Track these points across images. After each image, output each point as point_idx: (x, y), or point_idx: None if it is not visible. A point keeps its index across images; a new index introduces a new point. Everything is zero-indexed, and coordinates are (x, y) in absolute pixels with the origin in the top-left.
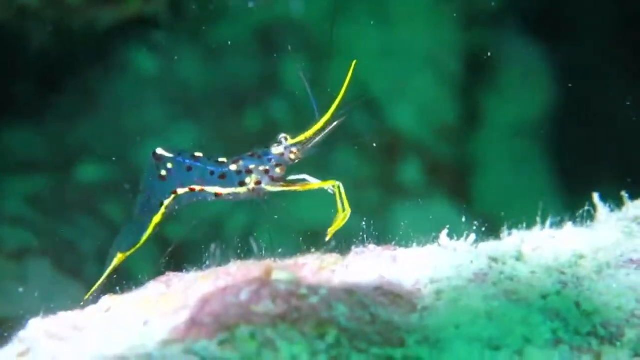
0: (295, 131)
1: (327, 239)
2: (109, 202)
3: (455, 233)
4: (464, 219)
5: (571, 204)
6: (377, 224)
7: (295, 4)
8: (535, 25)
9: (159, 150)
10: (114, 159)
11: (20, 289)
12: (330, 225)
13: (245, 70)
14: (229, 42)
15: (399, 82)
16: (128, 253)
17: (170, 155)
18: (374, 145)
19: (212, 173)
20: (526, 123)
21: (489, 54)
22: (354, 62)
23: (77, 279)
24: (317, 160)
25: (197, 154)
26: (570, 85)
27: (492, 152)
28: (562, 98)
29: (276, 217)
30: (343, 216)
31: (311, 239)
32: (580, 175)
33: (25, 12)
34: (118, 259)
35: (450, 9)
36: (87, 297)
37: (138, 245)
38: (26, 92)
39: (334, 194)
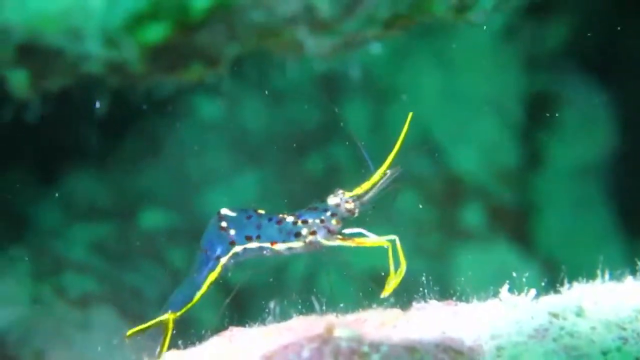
0: (357, 176)
1: (383, 295)
2: (173, 249)
3: (517, 277)
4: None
5: (633, 248)
6: (438, 269)
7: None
8: (597, 67)
9: (224, 210)
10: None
11: (87, 335)
12: (386, 268)
13: (307, 116)
14: (291, 88)
15: (460, 126)
16: (179, 313)
17: (234, 214)
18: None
19: (269, 219)
20: (588, 165)
21: (550, 96)
22: (410, 114)
23: (152, 337)
24: (377, 205)
25: (260, 210)
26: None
27: (553, 194)
28: (624, 140)
29: (336, 267)
30: (399, 272)
31: (373, 287)
32: None
33: (89, 79)
34: (169, 318)
35: (511, 52)
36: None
37: (190, 305)
38: (90, 139)
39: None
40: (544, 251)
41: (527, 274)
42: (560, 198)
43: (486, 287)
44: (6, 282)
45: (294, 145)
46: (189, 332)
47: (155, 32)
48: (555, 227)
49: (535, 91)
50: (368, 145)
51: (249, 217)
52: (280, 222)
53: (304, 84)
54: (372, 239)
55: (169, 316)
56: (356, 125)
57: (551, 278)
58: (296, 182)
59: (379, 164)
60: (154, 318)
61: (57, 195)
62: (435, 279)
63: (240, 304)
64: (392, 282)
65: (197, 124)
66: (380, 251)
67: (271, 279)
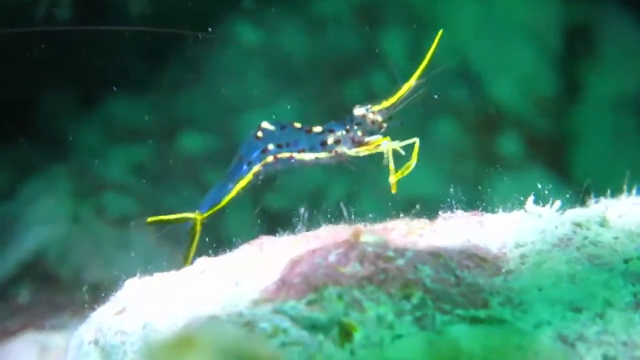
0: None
1: (393, 189)
2: (211, 172)
3: (545, 193)
4: (557, 189)
5: None
6: (473, 194)
7: None
8: (637, 1)
9: (264, 124)
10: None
11: (125, 254)
12: (423, 190)
13: (346, 42)
14: (329, 14)
15: (498, 55)
16: (206, 214)
17: (273, 128)
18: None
19: (299, 129)
20: (625, 97)
21: (589, 27)
22: (440, 31)
23: (178, 246)
24: (417, 133)
25: (296, 124)
26: None
27: (590, 125)
28: None
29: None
30: (407, 165)
31: (402, 206)
32: None
33: None
34: (196, 218)
35: None
36: (185, 262)
37: (218, 207)
38: (130, 62)
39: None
40: (580, 179)
41: (555, 192)
42: (598, 129)
43: (513, 200)
44: (47, 200)
45: (333, 71)
46: (220, 240)
47: None
48: (592, 156)
49: (573, 22)
50: (404, 73)
51: (283, 127)
52: (309, 131)
53: (344, 11)
54: (396, 143)
55: (196, 215)
56: (394, 53)
57: (579, 194)
58: (334, 108)
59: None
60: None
61: (97, 116)
62: (468, 203)
63: (271, 215)
64: (402, 172)
65: (237, 49)
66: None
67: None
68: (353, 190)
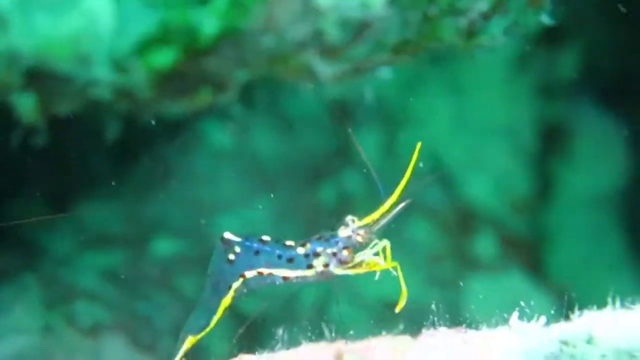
0: (369, 203)
1: (397, 310)
2: (184, 277)
3: (529, 307)
4: (536, 293)
5: None
6: (450, 298)
7: (385, 72)
8: (611, 96)
9: (227, 235)
10: (188, 234)
11: None
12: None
13: (319, 143)
14: (303, 116)
15: (473, 154)
16: (198, 336)
17: (238, 239)
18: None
19: (279, 257)
20: (601, 195)
21: (564, 124)
22: (419, 144)
23: (152, 355)
24: (390, 234)
25: (265, 238)
26: None
27: (566, 224)
28: (637, 170)
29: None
30: (402, 295)
31: (382, 316)
32: None
33: (98, 104)
34: (189, 342)
35: (524, 80)
36: None
37: (208, 329)
38: (102, 167)
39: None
40: (557, 279)
41: (538, 303)
42: (573, 228)
43: (497, 316)
44: (17, 310)
45: (307, 173)
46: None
47: (164, 57)
48: (568, 256)
49: (548, 119)
50: (379, 174)
51: (257, 253)
52: (291, 259)
53: (316, 111)
54: (382, 263)
55: (189, 340)
56: (368, 153)
57: (562, 307)
58: (308, 210)
59: (389, 191)
60: (166, 347)
61: (68, 222)
62: (446, 308)
63: (250, 331)
64: (401, 300)
65: (209, 151)
66: (389, 279)
67: (281, 308)
68: (329, 296)
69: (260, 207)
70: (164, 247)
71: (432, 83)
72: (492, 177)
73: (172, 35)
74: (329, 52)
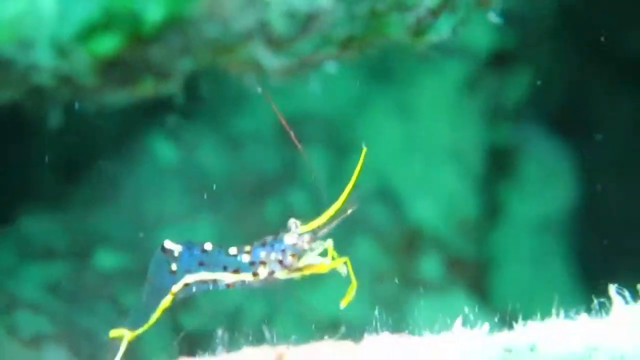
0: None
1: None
2: (127, 291)
3: (473, 314)
4: (480, 313)
5: (589, 298)
6: (394, 316)
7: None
8: (559, 121)
9: (167, 244)
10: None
11: None
12: (344, 312)
13: (266, 160)
14: (249, 132)
15: (420, 176)
16: (134, 334)
17: (180, 249)
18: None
19: (224, 268)
20: (547, 219)
21: (511, 148)
22: (364, 149)
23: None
24: (337, 252)
25: (207, 247)
26: (592, 184)
27: (512, 247)
28: (584, 195)
29: (291, 307)
30: (351, 287)
31: (326, 328)
32: (598, 271)
33: (40, 92)
34: (128, 337)
35: (473, 103)
36: None
37: (137, 333)
38: (44, 178)
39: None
40: (501, 302)
41: (482, 315)
42: (519, 251)
43: (440, 322)
44: None
45: (252, 189)
46: None
47: (107, 44)
48: (513, 279)
49: (496, 143)
50: (325, 194)
51: (200, 264)
52: (237, 270)
53: (263, 128)
54: (327, 264)
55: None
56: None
57: (506, 318)
58: (253, 227)
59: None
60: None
61: (10, 233)
62: (389, 315)
63: (192, 342)
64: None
65: (154, 165)
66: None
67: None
68: (273, 310)
69: (206, 223)
70: (107, 260)
71: (381, 104)
72: (438, 199)
73: (115, 21)
74: (275, 44)
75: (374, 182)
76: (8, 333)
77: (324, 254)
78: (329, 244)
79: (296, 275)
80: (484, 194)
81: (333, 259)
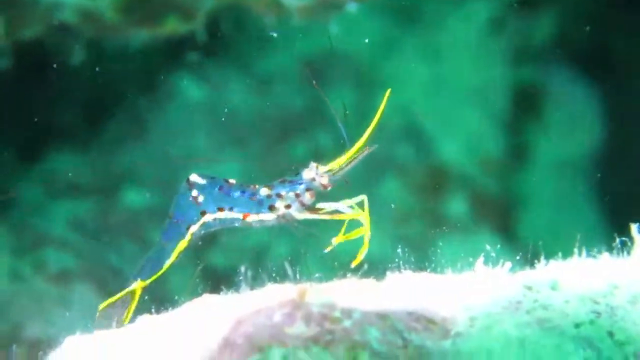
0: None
1: (354, 265)
2: (153, 228)
3: (495, 252)
4: (502, 251)
5: (611, 237)
6: (417, 254)
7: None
8: (584, 62)
9: (193, 176)
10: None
11: (64, 312)
12: (368, 256)
13: (292, 100)
14: (276, 72)
15: (445, 116)
16: (148, 281)
17: (204, 181)
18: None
19: (242, 192)
20: (572, 159)
21: (536, 89)
22: (388, 90)
23: (120, 304)
24: (362, 191)
25: (231, 181)
26: (617, 126)
27: (537, 187)
28: (609, 135)
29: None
30: (357, 231)
31: (349, 266)
32: (621, 211)
33: (65, 28)
34: (138, 286)
35: (499, 44)
36: (125, 320)
37: (159, 273)
38: (72, 116)
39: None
40: (526, 241)
41: (505, 253)
42: (543, 191)
43: (462, 260)
44: None
45: (278, 129)
46: (162, 298)
47: None
48: (538, 218)
49: (521, 84)
50: (352, 135)
51: (220, 188)
52: (253, 196)
53: (290, 68)
54: (346, 212)
55: (138, 284)
56: (340, 112)
57: (528, 256)
58: (279, 166)
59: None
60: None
61: (38, 172)
62: (412, 254)
63: (214, 273)
64: (361, 251)
65: (182, 104)
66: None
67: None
68: (298, 250)
69: (233, 163)
70: (133, 198)
71: (407, 46)
72: (463, 138)
73: None
74: None
75: (400, 122)
76: (35, 269)
77: (360, 205)
78: (363, 198)
79: (313, 216)
80: (510, 135)
81: (352, 208)
